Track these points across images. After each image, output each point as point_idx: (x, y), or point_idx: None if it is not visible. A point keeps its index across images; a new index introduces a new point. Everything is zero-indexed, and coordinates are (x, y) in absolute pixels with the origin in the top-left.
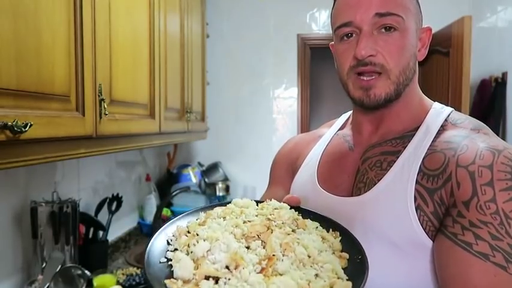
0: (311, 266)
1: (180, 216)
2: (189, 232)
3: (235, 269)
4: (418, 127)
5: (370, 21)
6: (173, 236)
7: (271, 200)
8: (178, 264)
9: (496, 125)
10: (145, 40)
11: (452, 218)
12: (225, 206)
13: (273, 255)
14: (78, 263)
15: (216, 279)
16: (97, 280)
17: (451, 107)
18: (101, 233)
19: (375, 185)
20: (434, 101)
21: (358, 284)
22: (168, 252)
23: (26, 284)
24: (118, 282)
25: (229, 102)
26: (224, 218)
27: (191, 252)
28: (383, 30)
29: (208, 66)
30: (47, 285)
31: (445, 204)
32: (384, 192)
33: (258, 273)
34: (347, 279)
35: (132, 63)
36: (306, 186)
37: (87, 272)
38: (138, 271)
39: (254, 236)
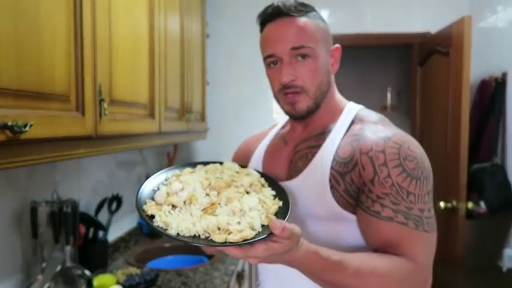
0: (239, 217)
1: (184, 164)
2: (179, 176)
3: (189, 204)
4: (335, 124)
5: (288, 53)
6: (170, 176)
7: (249, 167)
8: (158, 192)
9: (496, 125)
10: (145, 40)
11: (365, 195)
12: (217, 164)
13: (219, 203)
14: (78, 263)
15: (175, 207)
16: (97, 280)
17: (451, 107)
18: (101, 233)
19: (301, 172)
20: (350, 101)
21: (260, 235)
22: (161, 184)
23: (26, 284)
24: (118, 282)
25: (229, 102)
26: (207, 171)
27: (170, 188)
28: (299, 58)
29: (208, 66)
30: (47, 285)
31: (355, 183)
32: (308, 178)
33: (201, 210)
34: (258, 232)
35: (132, 63)
36: None
37: (87, 272)
38: (138, 271)
39: (216, 189)
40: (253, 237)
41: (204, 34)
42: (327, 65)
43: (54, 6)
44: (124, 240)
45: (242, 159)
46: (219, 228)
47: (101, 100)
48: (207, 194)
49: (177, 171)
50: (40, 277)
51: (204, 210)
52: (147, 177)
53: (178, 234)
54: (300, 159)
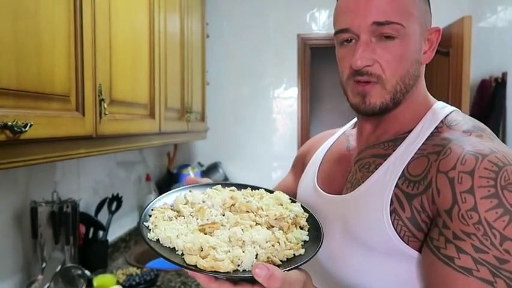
0: (232, 246)
1: (236, 184)
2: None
3: (194, 217)
4: (413, 129)
5: (368, 29)
6: (211, 188)
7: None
8: (178, 197)
9: (496, 125)
10: (145, 40)
11: (438, 230)
12: (263, 190)
13: (223, 225)
14: (78, 263)
15: (182, 216)
16: (97, 280)
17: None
18: (101, 233)
19: (358, 186)
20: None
21: (238, 274)
22: (188, 191)
23: (26, 284)
24: (118, 282)
25: (229, 102)
26: (242, 194)
27: (191, 196)
28: (383, 37)
29: (208, 66)
30: (47, 285)
31: (426, 211)
32: (364, 194)
33: (199, 225)
34: (242, 270)
35: (132, 64)
36: (308, 184)
37: (87, 272)
38: (138, 271)
39: (236, 211)
40: (226, 273)
41: (204, 34)
42: (417, 52)
43: (54, 7)
44: (124, 240)
45: (303, 156)
46: (202, 250)
47: (101, 100)
48: (222, 214)
49: (219, 187)
50: (40, 277)
51: (202, 226)
52: (148, 177)
53: (158, 240)
54: (360, 169)
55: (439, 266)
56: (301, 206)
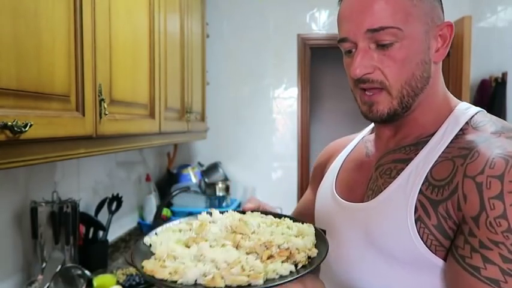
0: (192, 260)
1: (275, 213)
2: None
3: (191, 231)
4: (436, 132)
5: (364, 37)
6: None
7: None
8: (201, 216)
9: None
10: (145, 40)
11: (464, 238)
12: (287, 219)
13: (206, 240)
14: (78, 263)
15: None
16: (97, 280)
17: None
18: (101, 233)
19: (380, 192)
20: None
21: (168, 284)
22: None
23: (26, 284)
24: (118, 282)
25: (229, 102)
26: (265, 222)
27: (202, 217)
28: (380, 43)
29: (208, 66)
30: (47, 285)
31: (452, 218)
32: (386, 201)
33: (188, 238)
34: (174, 281)
35: (132, 64)
36: (326, 193)
37: (87, 272)
38: None
39: (240, 234)
40: (162, 280)
41: (204, 34)
42: (424, 52)
43: (54, 7)
44: (124, 240)
45: (321, 166)
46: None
47: (101, 100)
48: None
49: (256, 214)
50: (40, 277)
51: (187, 239)
52: (148, 178)
53: (150, 245)
54: (381, 175)
55: (464, 276)
56: (322, 241)
